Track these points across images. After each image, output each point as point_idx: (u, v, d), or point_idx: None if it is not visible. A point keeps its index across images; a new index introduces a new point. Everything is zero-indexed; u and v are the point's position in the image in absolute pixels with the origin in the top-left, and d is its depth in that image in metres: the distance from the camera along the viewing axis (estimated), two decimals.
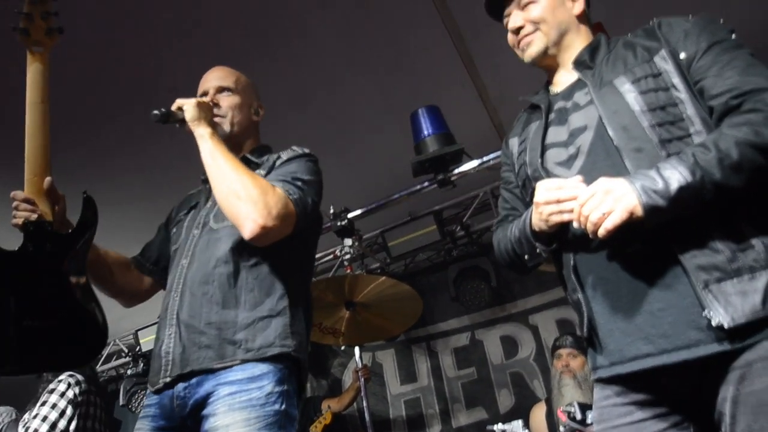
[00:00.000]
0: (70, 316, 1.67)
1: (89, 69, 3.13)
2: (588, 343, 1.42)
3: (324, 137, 3.87)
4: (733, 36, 1.35)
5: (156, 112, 1.72)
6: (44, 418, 2.49)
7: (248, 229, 1.57)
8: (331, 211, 3.86)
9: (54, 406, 2.53)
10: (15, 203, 1.68)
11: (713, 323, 1.15)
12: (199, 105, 1.77)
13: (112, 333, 5.74)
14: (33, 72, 1.74)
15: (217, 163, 1.67)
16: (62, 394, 2.57)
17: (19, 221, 1.67)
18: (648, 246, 1.26)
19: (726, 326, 1.13)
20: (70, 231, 1.74)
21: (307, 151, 1.88)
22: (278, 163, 1.83)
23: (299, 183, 1.72)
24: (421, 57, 3.51)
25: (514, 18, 1.59)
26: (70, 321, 1.67)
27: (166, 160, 3.70)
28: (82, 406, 2.59)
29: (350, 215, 3.89)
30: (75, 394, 2.58)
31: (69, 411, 2.53)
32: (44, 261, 1.67)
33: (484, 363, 4.96)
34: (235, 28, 3.17)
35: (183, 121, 1.75)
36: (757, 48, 1.37)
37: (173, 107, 1.76)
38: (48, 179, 1.71)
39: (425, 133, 3.38)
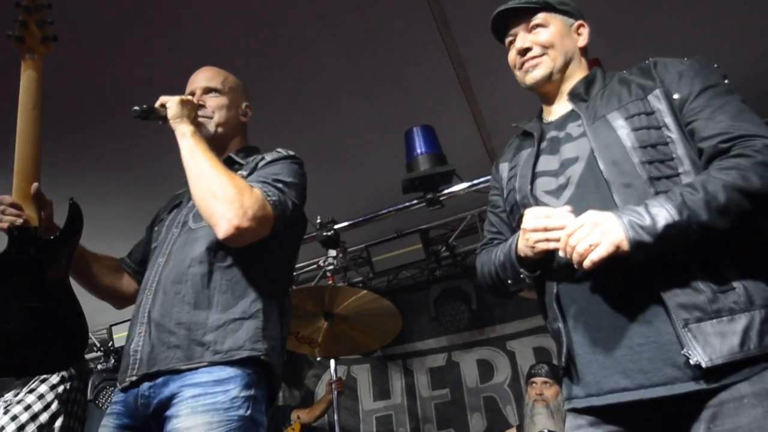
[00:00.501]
0: (49, 321, 1.67)
1: (83, 63, 3.13)
2: (565, 372, 1.43)
3: (318, 147, 3.88)
4: (726, 81, 1.38)
5: (136, 108, 1.70)
6: (27, 407, 2.39)
7: (222, 228, 1.55)
8: (318, 220, 3.87)
9: (41, 397, 2.42)
10: (1, 207, 1.68)
11: (691, 362, 1.16)
12: (183, 102, 1.75)
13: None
14: (26, 79, 1.75)
15: (196, 161, 1.65)
16: (53, 387, 2.46)
17: (4, 225, 1.67)
18: (631, 280, 1.28)
19: (704, 366, 1.15)
20: (53, 237, 1.74)
21: (291, 153, 1.85)
22: (261, 164, 1.81)
23: (280, 185, 1.70)
24: (421, 78, 3.54)
25: (522, 39, 1.60)
26: (50, 326, 1.67)
27: (155, 156, 3.68)
28: (69, 404, 2.49)
29: (337, 226, 3.89)
30: (65, 389, 2.47)
31: (54, 406, 2.43)
32: (27, 265, 1.67)
33: (459, 385, 4.95)
34: (236, 34, 3.18)
35: (165, 119, 1.73)
36: (750, 96, 1.40)
37: (157, 104, 1.75)
38: (35, 185, 1.72)
39: (418, 151, 3.41)
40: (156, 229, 1.95)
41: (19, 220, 1.67)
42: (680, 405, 1.21)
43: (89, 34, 2.96)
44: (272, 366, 1.65)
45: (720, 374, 1.16)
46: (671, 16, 3.15)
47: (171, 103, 1.74)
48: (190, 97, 1.83)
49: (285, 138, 3.60)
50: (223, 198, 1.56)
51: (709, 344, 1.16)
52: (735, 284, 1.20)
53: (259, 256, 1.70)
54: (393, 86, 3.60)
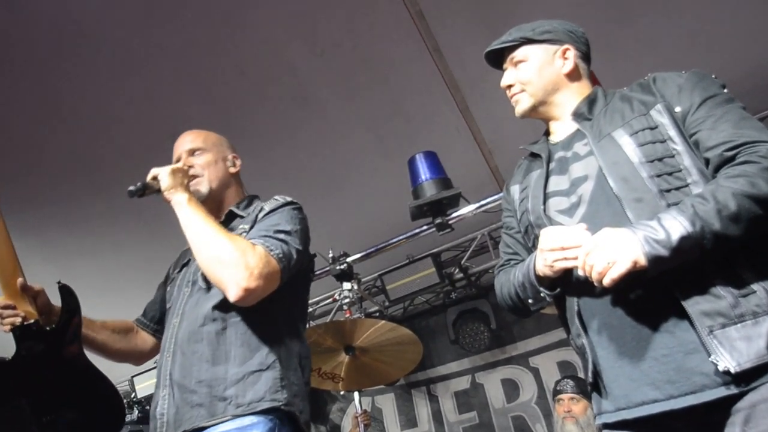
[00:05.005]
0: (82, 400, 1.75)
1: (96, 119, 3.20)
2: (593, 387, 1.43)
3: (323, 182, 3.92)
4: (725, 90, 1.41)
5: (131, 188, 1.72)
6: None
7: (232, 293, 1.57)
8: (330, 255, 3.87)
9: None
10: None
11: (720, 368, 1.16)
12: (174, 172, 1.77)
13: None
14: None
15: (196, 228, 1.67)
16: None
17: (6, 328, 1.73)
18: (651, 292, 1.29)
19: (733, 371, 1.15)
20: (55, 325, 1.78)
21: (289, 199, 1.88)
22: (261, 215, 1.83)
23: (281, 235, 1.72)
24: (418, 104, 3.59)
25: (506, 76, 1.70)
26: (84, 404, 1.75)
27: (166, 205, 3.73)
28: None
29: (349, 259, 3.90)
30: None
31: None
32: (40, 359, 1.73)
33: (486, 407, 4.89)
34: (233, 80, 3.24)
35: (160, 191, 1.75)
36: (745, 92, 1.42)
37: (149, 177, 1.77)
38: (20, 280, 1.75)
39: (423, 177, 3.42)
40: (168, 288, 1.98)
41: (18, 319, 1.72)
42: (711, 412, 1.21)
43: (102, 87, 3.03)
44: (294, 414, 1.64)
45: (749, 377, 1.16)
46: (659, 20, 3.19)
47: (162, 175, 1.75)
48: (180, 165, 1.85)
49: (290, 177, 3.66)
50: (228, 263, 1.58)
51: (736, 349, 1.16)
52: (755, 287, 1.21)
53: (270, 306, 1.70)
54: (392, 115, 3.65)
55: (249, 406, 1.57)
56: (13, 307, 1.73)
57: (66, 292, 1.82)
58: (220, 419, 1.57)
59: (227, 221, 1.93)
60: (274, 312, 1.74)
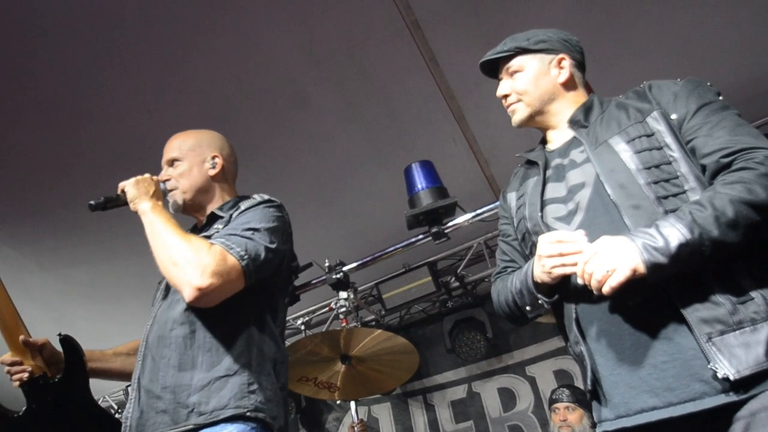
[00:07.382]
0: None
1: (91, 126, 3.19)
2: (592, 395, 1.43)
3: (319, 191, 3.92)
4: (720, 98, 1.42)
5: (91, 202, 1.73)
6: None
7: (186, 293, 1.55)
8: (326, 263, 3.86)
9: None
10: (6, 369, 1.77)
11: (719, 375, 1.16)
12: (138, 182, 1.78)
13: (102, 389, 5.62)
14: None
15: (155, 233, 1.66)
16: None
17: (16, 384, 1.79)
18: (649, 299, 1.29)
19: (731, 378, 1.15)
20: (61, 375, 1.82)
21: (266, 197, 1.84)
22: (235, 214, 1.80)
23: (248, 233, 1.67)
24: (415, 113, 3.60)
25: (502, 86, 1.71)
26: None
27: None
28: None
29: (345, 268, 3.88)
30: None
31: None
32: (50, 410, 1.78)
33: (482, 416, 4.87)
34: (231, 89, 3.25)
35: (127, 203, 1.76)
36: (735, 102, 1.43)
37: (118, 191, 1.79)
38: (21, 337, 1.81)
39: (419, 186, 3.42)
40: (155, 292, 1.96)
41: (25, 375, 1.76)
42: (711, 419, 1.21)
43: (97, 95, 3.03)
44: (266, 421, 1.59)
45: (748, 385, 1.16)
46: (653, 28, 3.21)
47: (128, 186, 1.77)
48: (146, 175, 1.84)
49: (286, 186, 3.66)
50: (180, 263, 1.56)
51: (735, 356, 1.16)
52: (753, 294, 1.21)
53: (241, 308, 1.67)
54: (388, 124, 3.66)
55: (212, 414, 1.53)
56: (20, 363, 1.78)
57: (67, 343, 1.85)
58: (182, 427, 1.53)
59: (208, 224, 1.90)
60: (246, 314, 1.69)
